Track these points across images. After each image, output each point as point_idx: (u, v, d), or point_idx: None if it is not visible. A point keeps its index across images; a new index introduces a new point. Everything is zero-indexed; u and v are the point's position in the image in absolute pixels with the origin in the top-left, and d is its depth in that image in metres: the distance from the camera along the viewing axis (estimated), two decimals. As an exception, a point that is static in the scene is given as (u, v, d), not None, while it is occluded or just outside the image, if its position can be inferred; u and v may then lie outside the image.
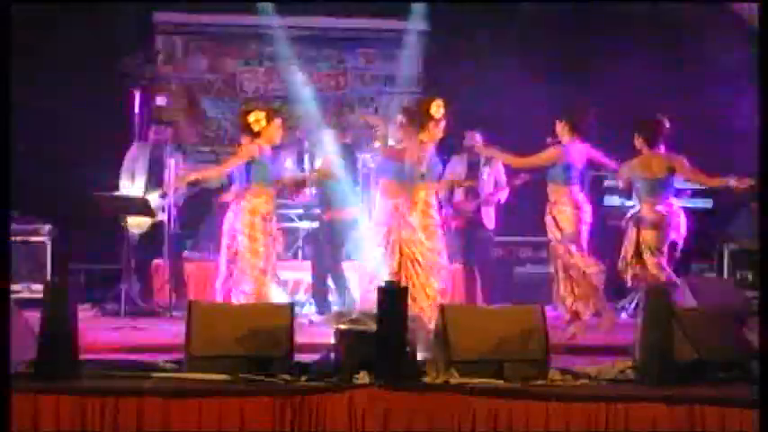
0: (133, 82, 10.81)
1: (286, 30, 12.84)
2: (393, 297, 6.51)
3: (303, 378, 6.47)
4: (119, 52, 11.37)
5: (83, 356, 6.59)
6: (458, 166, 10.87)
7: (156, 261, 10.72)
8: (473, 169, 10.88)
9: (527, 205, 11.12)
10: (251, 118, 8.75)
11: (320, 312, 10.04)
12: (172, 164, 10.34)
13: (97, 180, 10.65)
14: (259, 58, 13.47)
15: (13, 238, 9.57)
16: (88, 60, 11.89)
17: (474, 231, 10.77)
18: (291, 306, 7.07)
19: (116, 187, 10.59)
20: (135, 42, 12.26)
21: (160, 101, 12.57)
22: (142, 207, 10.35)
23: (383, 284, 6.76)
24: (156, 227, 10.37)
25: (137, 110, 10.71)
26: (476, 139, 10.71)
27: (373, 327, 6.53)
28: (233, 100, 13.44)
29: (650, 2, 12.07)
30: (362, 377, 6.38)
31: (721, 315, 7.41)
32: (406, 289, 6.67)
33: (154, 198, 10.36)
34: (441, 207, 10.35)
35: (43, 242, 10.89)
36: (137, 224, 10.45)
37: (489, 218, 10.83)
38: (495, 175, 10.85)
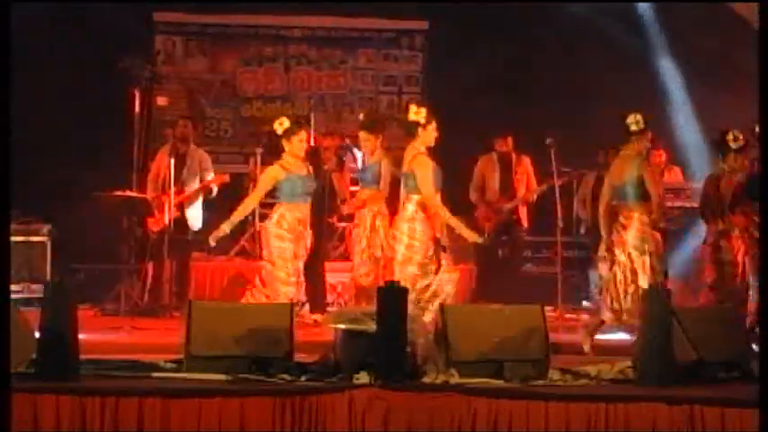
0: (133, 82, 10.80)
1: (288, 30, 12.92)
2: (393, 297, 6.50)
3: (303, 378, 6.47)
4: (119, 52, 11.34)
5: (83, 356, 6.58)
6: (488, 168, 11.11)
7: (156, 261, 10.71)
8: (505, 170, 11.08)
9: (528, 205, 11.19)
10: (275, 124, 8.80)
11: (313, 311, 10.04)
12: (172, 163, 10.35)
13: (97, 180, 10.65)
14: (259, 58, 13.49)
15: (13, 238, 9.57)
16: (88, 60, 11.90)
17: (510, 230, 10.98)
18: (291, 306, 7.08)
19: (116, 187, 10.59)
20: (135, 42, 12.25)
21: (160, 101, 12.58)
22: (142, 207, 10.35)
23: (383, 284, 6.76)
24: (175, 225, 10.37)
25: (137, 110, 10.71)
26: (508, 142, 10.99)
27: (373, 327, 6.53)
28: (233, 100, 13.46)
29: (653, 2, 12.08)
30: (362, 377, 6.38)
31: (721, 315, 7.41)
32: (405, 289, 6.66)
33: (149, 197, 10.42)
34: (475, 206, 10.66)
35: (43, 242, 10.89)
36: (155, 223, 10.46)
37: (524, 217, 11.06)
38: (526, 175, 11.09)
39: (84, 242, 11.14)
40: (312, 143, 11.34)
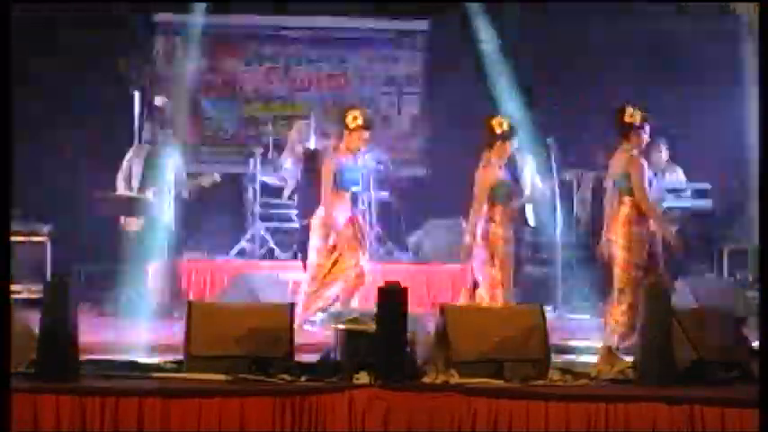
0: (133, 82, 10.80)
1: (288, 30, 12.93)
2: (393, 297, 6.51)
3: (303, 378, 6.47)
4: (119, 53, 11.35)
5: (83, 356, 6.58)
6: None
7: (155, 261, 10.70)
8: (511, 167, 11.05)
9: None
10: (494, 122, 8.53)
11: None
12: (171, 164, 10.35)
13: (97, 180, 10.66)
14: (259, 58, 13.49)
15: (13, 238, 9.56)
16: (88, 60, 11.91)
17: (518, 228, 10.94)
18: (291, 306, 7.08)
19: (115, 188, 10.60)
20: (135, 42, 12.25)
21: (160, 101, 12.58)
22: (142, 207, 10.35)
23: (383, 284, 6.76)
24: (153, 226, 10.36)
25: (137, 110, 10.71)
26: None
27: (373, 327, 6.53)
28: (233, 100, 13.46)
29: (652, 2, 12.09)
30: (362, 377, 6.38)
31: (721, 315, 7.41)
32: (405, 289, 6.66)
33: (148, 197, 10.38)
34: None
35: (43, 242, 10.88)
36: (133, 223, 10.45)
37: (531, 216, 11.02)
38: (531, 174, 11.06)
39: (84, 242, 11.14)
40: (313, 145, 11.39)
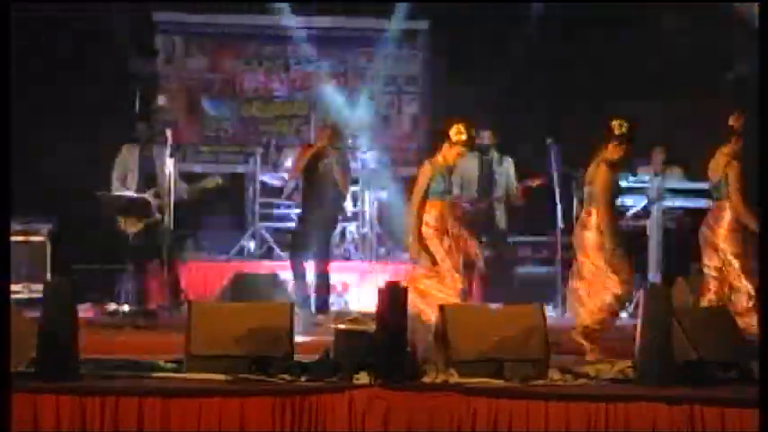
0: (133, 82, 10.79)
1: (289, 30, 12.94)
2: (393, 297, 6.51)
3: (303, 378, 6.47)
4: (119, 52, 11.33)
5: (83, 356, 6.59)
6: (470, 165, 10.96)
7: (154, 261, 10.70)
8: (485, 167, 10.98)
9: (528, 205, 11.17)
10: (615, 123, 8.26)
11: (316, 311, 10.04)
12: (172, 163, 10.34)
13: (97, 180, 10.65)
14: (259, 58, 13.50)
15: (13, 238, 9.56)
16: (88, 60, 11.91)
17: (489, 231, 10.84)
18: (291, 306, 7.08)
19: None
20: (135, 42, 12.25)
21: (160, 101, 12.58)
22: (143, 207, 10.35)
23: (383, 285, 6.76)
24: (152, 226, 10.36)
25: (137, 110, 10.70)
26: (484, 136, 10.86)
27: (373, 327, 6.54)
28: (233, 100, 13.47)
29: (655, 2, 12.09)
30: (362, 377, 6.38)
31: (721, 315, 7.41)
32: (405, 289, 6.66)
33: (147, 197, 10.38)
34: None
35: (43, 242, 10.88)
36: (131, 224, 10.45)
37: (502, 217, 10.92)
38: (505, 176, 10.96)
39: (84, 242, 11.13)
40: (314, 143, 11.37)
